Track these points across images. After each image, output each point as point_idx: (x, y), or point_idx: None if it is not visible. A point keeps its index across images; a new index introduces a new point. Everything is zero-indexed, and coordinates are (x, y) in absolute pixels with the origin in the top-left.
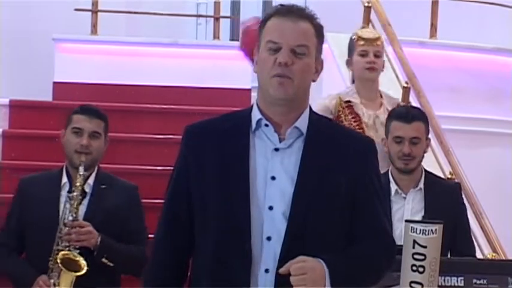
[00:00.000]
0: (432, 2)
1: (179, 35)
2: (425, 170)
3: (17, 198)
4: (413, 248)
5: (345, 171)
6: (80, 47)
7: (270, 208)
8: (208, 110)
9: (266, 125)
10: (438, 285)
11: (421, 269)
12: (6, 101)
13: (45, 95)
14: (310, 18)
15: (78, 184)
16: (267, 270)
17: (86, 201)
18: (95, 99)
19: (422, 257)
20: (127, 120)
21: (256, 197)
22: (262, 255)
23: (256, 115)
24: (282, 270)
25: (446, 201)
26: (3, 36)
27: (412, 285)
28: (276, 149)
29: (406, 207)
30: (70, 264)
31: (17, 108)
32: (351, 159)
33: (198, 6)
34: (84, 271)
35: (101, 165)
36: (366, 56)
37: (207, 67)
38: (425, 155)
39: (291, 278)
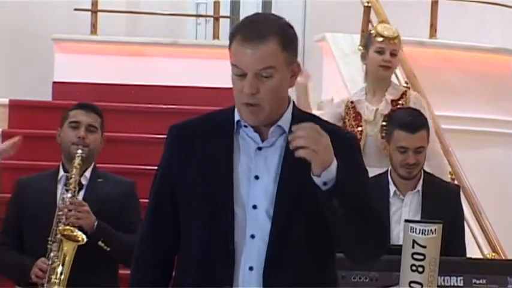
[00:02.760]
0: (432, 1)
1: (179, 35)
2: (425, 171)
3: (14, 197)
4: (413, 247)
5: None
6: (79, 47)
7: (254, 207)
8: (208, 109)
9: (245, 126)
10: (438, 285)
11: (420, 269)
12: (5, 100)
13: (45, 95)
14: (273, 33)
15: (75, 164)
16: (251, 268)
17: (82, 192)
18: (95, 99)
19: (422, 257)
20: (126, 120)
21: (240, 196)
22: (246, 253)
23: (236, 116)
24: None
25: (444, 204)
26: (2, 36)
27: (412, 285)
28: (259, 148)
29: (404, 210)
30: (69, 238)
31: (17, 108)
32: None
33: (197, 6)
34: (84, 242)
35: (101, 165)
36: (382, 54)
37: (206, 67)
38: None
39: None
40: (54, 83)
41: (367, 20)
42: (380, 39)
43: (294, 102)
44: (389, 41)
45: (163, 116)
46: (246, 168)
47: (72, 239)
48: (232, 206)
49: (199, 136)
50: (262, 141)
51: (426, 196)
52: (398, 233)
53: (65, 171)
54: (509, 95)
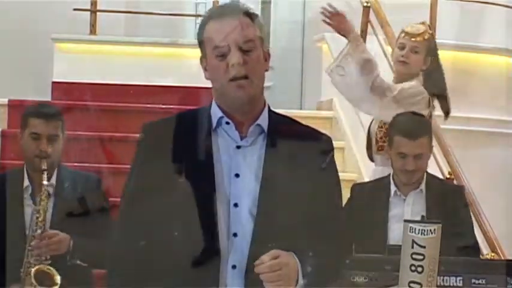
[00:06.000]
0: (431, 1)
1: (178, 35)
2: (427, 172)
3: None
4: (412, 247)
5: (307, 170)
6: (78, 47)
7: (235, 205)
8: None
9: (227, 123)
10: (437, 285)
11: (420, 269)
12: (5, 100)
13: (44, 95)
14: (245, 11)
15: (43, 197)
16: (234, 267)
17: (51, 203)
18: (94, 99)
19: (421, 257)
20: (126, 120)
21: (221, 194)
22: (229, 252)
23: (216, 113)
24: (258, 268)
25: (448, 203)
26: (2, 36)
27: (411, 285)
28: (238, 147)
29: (406, 209)
30: (44, 277)
31: (16, 108)
32: (312, 158)
33: (196, 6)
34: (58, 286)
35: (101, 165)
36: (402, 50)
37: None
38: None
39: (266, 275)
40: (54, 82)
41: (366, 21)
42: (402, 35)
43: (268, 105)
44: (410, 37)
45: (163, 116)
46: (226, 166)
47: (47, 280)
48: (215, 205)
49: (176, 134)
50: (241, 139)
51: (429, 196)
52: (398, 233)
53: (29, 178)
54: (509, 95)
